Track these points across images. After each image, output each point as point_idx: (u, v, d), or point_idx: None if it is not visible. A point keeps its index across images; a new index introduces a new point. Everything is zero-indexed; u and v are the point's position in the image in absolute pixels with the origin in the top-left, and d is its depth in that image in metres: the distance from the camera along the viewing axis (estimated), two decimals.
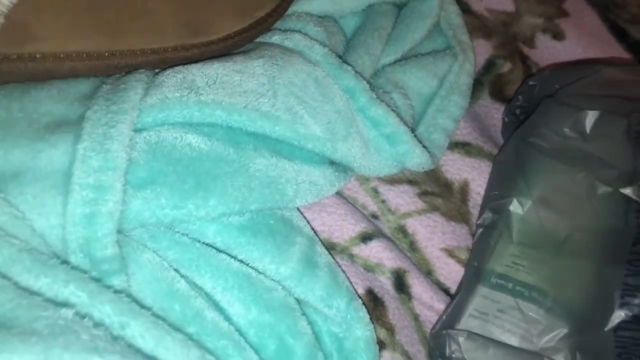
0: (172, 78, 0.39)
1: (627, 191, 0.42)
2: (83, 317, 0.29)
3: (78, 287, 0.31)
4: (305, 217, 0.43)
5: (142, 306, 0.33)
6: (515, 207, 0.45)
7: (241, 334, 0.36)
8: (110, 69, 0.39)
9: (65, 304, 0.30)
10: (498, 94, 0.56)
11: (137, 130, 0.37)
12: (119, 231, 0.35)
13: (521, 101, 0.51)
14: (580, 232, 0.43)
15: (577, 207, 0.43)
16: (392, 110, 0.45)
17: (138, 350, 0.30)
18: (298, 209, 0.43)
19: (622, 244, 0.41)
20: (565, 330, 0.41)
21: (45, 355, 0.26)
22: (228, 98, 0.39)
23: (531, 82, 0.51)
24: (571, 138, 0.45)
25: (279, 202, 0.39)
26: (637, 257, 0.41)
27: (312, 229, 0.43)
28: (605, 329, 0.40)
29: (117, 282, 0.34)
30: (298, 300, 0.39)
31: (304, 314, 0.38)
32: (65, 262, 0.33)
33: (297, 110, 0.40)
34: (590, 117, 0.44)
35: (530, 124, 0.47)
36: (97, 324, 0.30)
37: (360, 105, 0.44)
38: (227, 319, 0.36)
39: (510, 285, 0.44)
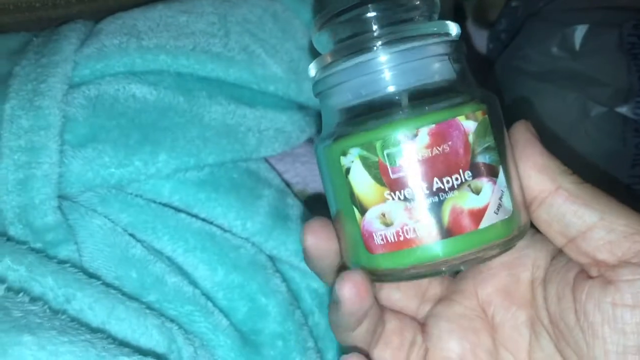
0: (111, 25, 0.35)
1: (623, 110, 0.38)
2: (18, 292, 0.26)
3: (15, 261, 0.28)
4: (275, 169, 0.40)
5: (92, 276, 0.30)
6: None
7: (209, 297, 0.33)
8: (42, 22, 0.36)
9: (1, 280, 0.27)
10: (481, 20, 0.52)
11: (75, 85, 0.33)
12: (63, 196, 0.32)
13: (505, 25, 0.47)
14: (574, 158, 0.39)
15: (569, 132, 0.39)
16: None
17: (85, 325, 0.27)
18: (267, 161, 0.39)
19: (620, 167, 0.38)
20: None
21: None
22: (173, 41, 0.35)
23: (514, 3, 0.47)
24: (559, 58, 0.41)
25: (240, 153, 0.36)
26: (636, 180, 0.37)
27: (285, 181, 0.40)
28: None
29: (65, 252, 0.31)
30: (271, 258, 0.36)
31: (277, 271, 0.35)
32: (0, 234, 0.30)
33: (253, 50, 0.37)
34: (579, 32, 0.40)
35: (514, 46, 0.43)
36: (36, 299, 0.27)
37: None
38: (192, 283, 0.33)
39: None
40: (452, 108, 0.24)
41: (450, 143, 0.24)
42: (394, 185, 0.24)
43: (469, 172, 0.24)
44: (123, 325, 0.28)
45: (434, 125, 0.23)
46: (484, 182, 0.24)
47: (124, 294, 0.30)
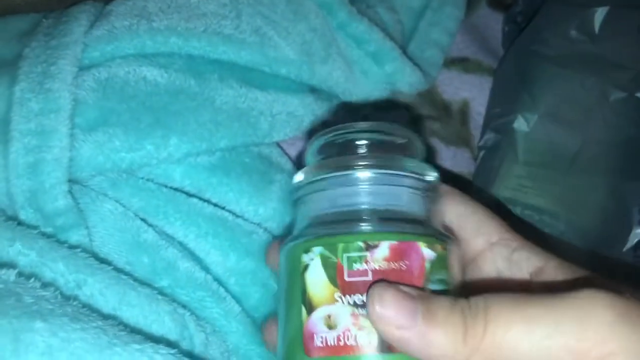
0: (122, 6, 0.35)
1: None
2: (29, 277, 0.26)
3: (25, 245, 0.27)
4: (287, 154, 0.39)
5: (103, 261, 0.30)
6: (520, 123, 0.41)
7: (220, 283, 0.33)
8: (52, 4, 0.35)
9: (11, 265, 0.27)
10: (496, 2, 0.50)
11: (85, 67, 0.33)
12: (74, 181, 0.32)
13: (522, 6, 0.46)
14: (592, 145, 0.38)
15: (588, 117, 0.39)
16: (377, 25, 0.40)
17: (96, 311, 0.27)
18: (279, 145, 0.39)
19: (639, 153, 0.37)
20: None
21: None
22: (184, 23, 0.34)
23: None
24: (578, 41, 0.40)
25: (252, 137, 0.35)
26: None
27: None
28: (624, 248, 0.36)
29: (75, 237, 0.31)
30: None
31: None
32: (11, 218, 0.29)
33: (265, 32, 0.36)
34: (599, 15, 0.39)
35: (532, 29, 0.42)
36: (47, 284, 0.26)
37: (340, 21, 0.39)
38: (204, 268, 0.33)
39: (518, 210, 0.40)
40: (416, 234, 0.25)
41: (407, 262, 0.24)
42: (346, 289, 0.24)
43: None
44: (134, 311, 0.28)
45: (396, 242, 0.25)
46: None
47: (135, 279, 0.30)
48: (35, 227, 0.30)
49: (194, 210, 0.33)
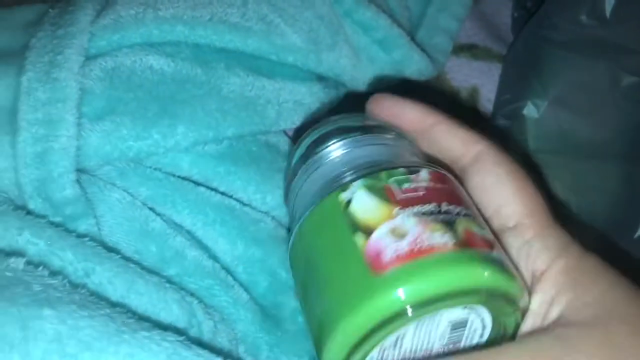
0: None
1: None
2: (37, 266, 0.26)
3: (34, 234, 0.27)
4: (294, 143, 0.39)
5: (111, 250, 0.30)
6: (529, 110, 0.41)
7: (228, 271, 0.33)
8: None
9: (20, 254, 0.27)
10: None
11: (92, 57, 0.33)
12: (82, 170, 0.32)
13: None
14: (603, 130, 0.38)
15: (599, 103, 0.38)
16: (384, 12, 0.40)
17: (104, 299, 0.27)
18: (286, 133, 0.39)
19: None
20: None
21: None
22: (190, 11, 0.34)
23: None
24: (589, 26, 0.39)
25: (259, 126, 0.35)
26: None
27: None
28: (635, 235, 0.36)
29: (84, 226, 0.31)
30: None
31: None
32: (20, 208, 0.30)
33: (271, 19, 0.36)
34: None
35: (542, 15, 0.42)
36: (55, 273, 0.26)
37: (346, 8, 0.39)
38: (212, 257, 0.33)
39: None
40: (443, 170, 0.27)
41: (448, 185, 0.26)
42: (403, 203, 0.24)
43: (469, 210, 0.25)
44: (143, 299, 0.28)
45: (432, 169, 0.26)
46: (485, 227, 0.25)
47: (143, 268, 0.30)
48: (43, 217, 0.30)
49: (202, 199, 0.33)
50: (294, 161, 0.30)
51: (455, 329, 0.24)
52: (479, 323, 0.24)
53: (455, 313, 0.23)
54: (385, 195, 0.24)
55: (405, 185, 0.25)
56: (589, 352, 0.21)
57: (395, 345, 0.24)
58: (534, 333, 0.23)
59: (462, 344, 0.25)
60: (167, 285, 0.29)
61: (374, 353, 0.23)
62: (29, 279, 0.25)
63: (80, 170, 0.31)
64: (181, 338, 0.25)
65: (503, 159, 0.27)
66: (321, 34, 0.37)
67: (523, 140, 0.40)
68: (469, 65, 0.46)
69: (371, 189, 0.25)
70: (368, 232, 0.23)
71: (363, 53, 0.40)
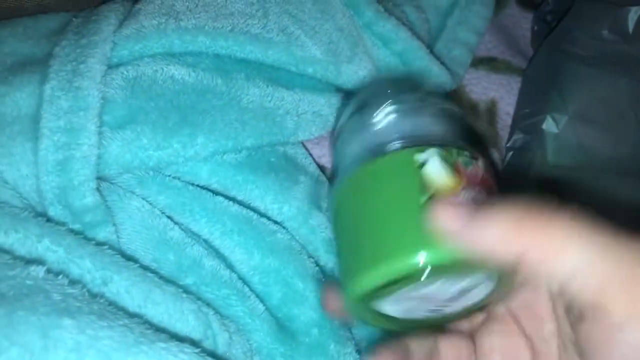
0: (150, 5, 0.35)
1: None
2: (57, 274, 0.26)
3: (54, 242, 0.28)
4: (312, 155, 0.39)
5: (129, 258, 0.30)
6: (549, 125, 0.40)
7: (245, 281, 0.33)
8: (82, 2, 0.36)
9: (39, 261, 0.27)
10: (526, 1, 0.50)
11: (114, 66, 0.33)
12: (102, 178, 0.32)
13: (552, 5, 0.45)
14: (623, 146, 0.38)
15: (619, 118, 0.38)
16: (404, 24, 0.40)
17: (122, 308, 0.27)
18: (303, 146, 0.39)
19: None
20: None
21: (9, 319, 0.23)
22: (212, 22, 0.34)
23: None
24: (610, 41, 0.39)
25: (278, 137, 0.35)
26: None
27: (320, 165, 0.39)
28: None
29: (103, 234, 0.31)
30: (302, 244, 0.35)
31: (311, 257, 0.35)
32: (40, 215, 0.30)
33: (292, 31, 0.36)
34: (633, 14, 0.38)
35: (563, 29, 0.41)
36: (74, 282, 0.27)
37: (366, 20, 0.39)
38: (229, 266, 0.33)
39: None
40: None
41: (491, 177, 0.28)
42: (468, 182, 0.26)
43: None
44: (159, 309, 0.28)
45: (485, 160, 0.29)
46: None
47: (161, 276, 0.30)
48: (63, 224, 0.30)
49: (220, 208, 0.33)
50: (363, 95, 0.32)
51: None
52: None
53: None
54: (455, 169, 0.26)
55: (470, 167, 0.27)
56: None
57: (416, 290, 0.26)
58: None
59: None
60: (184, 295, 0.29)
61: (402, 292, 0.26)
62: (49, 287, 0.25)
63: (100, 178, 0.32)
64: (197, 350, 0.25)
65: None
66: (341, 46, 0.37)
67: (542, 155, 0.40)
68: (488, 78, 0.46)
69: (445, 160, 0.27)
70: (434, 195, 0.25)
71: (382, 65, 0.40)
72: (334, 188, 0.30)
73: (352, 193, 0.29)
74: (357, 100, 0.32)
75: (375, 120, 0.30)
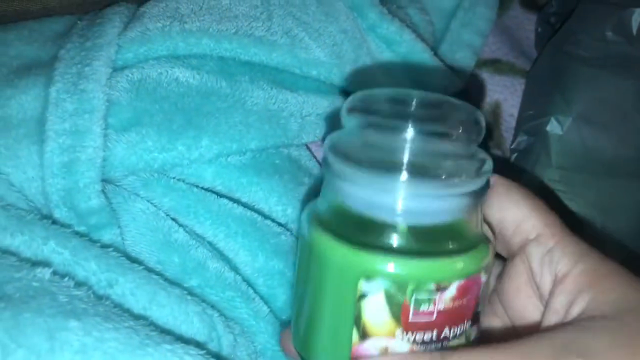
0: (154, 8, 0.35)
1: None
2: (63, 276, 0.26)
3: (59, 244, 0.28)
4: (315, 158, 0.39)
5: (134, 260, 0.30)
6: (553, 126, 0.40)
7: (249, 284, 0.33)
8: (87, 5, 0.36)
9: (45, 263, 0.27)
10: (529, 2, 0.50)
11: (119, 68, 0.33)
12: (107, 180, 0.32)
13: (555, 7, 0.45)
14: (627, 147, 0.38)
15: (623, 120, 0.38)
16: (408, 26, 0.40)
17: (127, 310, 0.27)
18: (307, 148, 0.39)
19: None
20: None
21: (15, 321, 0.23)
22: (216, 25, 0.34)
23: None
24: (614, 42, 0.39)
25: (282, 139, 0.35)
26: None
27: None
28: None
29: (108, 236, 0.31)
30: None
31: None
32: (45, 217, 0.30)
33: (296, 33, 0.36)
34: (637, 16, 0.38)
35: (566, 30, 0.41)
36: (80, 284, 0.27)
37: (370, 22, 0.39)
38: (233, 268, 0.33)
39: None
40: (479, 262, 0.25)
41: (468, 297, 0.24)
42: (409, 327, 0.24)
43: (470, 322, 0.25)
44: (164, 311, 0.28)
45: (463, 281, 0.24)
46: (474, 331, 0.26)
47: (165, 279, 0.30)
48: (69, 226, 0.30)
49: (224, 211, 0.33)
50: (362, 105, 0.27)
51: None
52: None
53: None
54: (398, 312, 0.23)
55: (423, 308, 0.23)
56: (609, 339, 0.22)
57: None
58: (559, 325, 0.25)
59: None
60: (189, 297, 0.30)
61: None
62: (55, 289, 0.25)
63: (105, 180, 0.32)
64: (202, 352, 0.25)
65: (514, 184, 0.28)
66: (345, 48, 0.37)
67: (546, 157, 0.40)
68: (492, 80, 0.46)
69: (390, 300, 0.23)
70: (364, 336, 0.24)
71: (386, 66, 0.40)
72: (306, 219, 0.26)
73: (309, 252, 0.26)
74: (355, 107, 0.27)
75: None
